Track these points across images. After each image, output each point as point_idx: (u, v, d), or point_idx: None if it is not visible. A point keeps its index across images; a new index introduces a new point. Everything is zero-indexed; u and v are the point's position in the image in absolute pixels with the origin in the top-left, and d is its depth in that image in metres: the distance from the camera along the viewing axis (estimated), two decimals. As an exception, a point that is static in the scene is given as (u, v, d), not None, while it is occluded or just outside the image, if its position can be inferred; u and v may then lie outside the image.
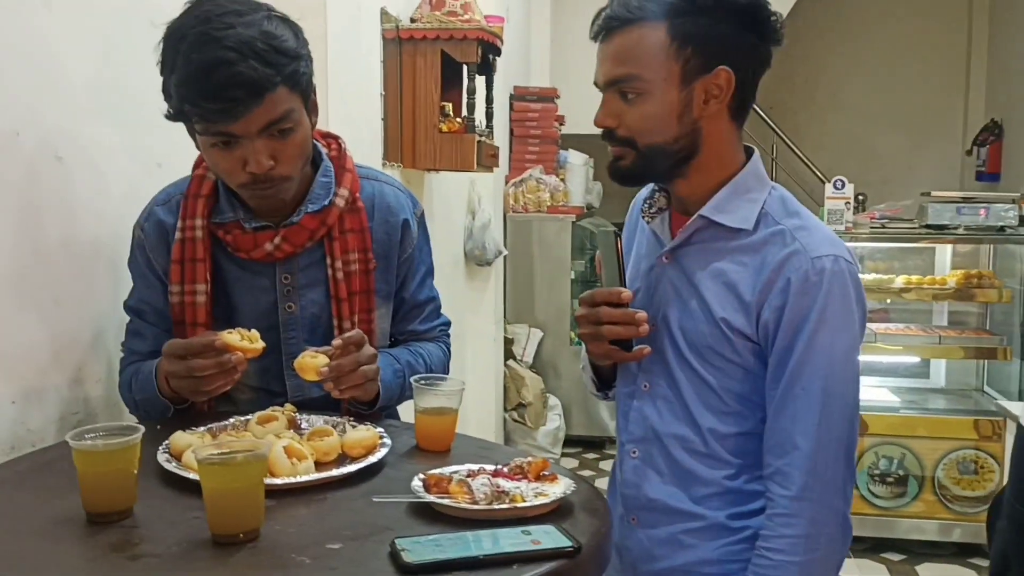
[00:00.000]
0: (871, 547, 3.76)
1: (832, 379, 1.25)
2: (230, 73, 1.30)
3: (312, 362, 1.39)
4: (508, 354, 4.97)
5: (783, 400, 1.27)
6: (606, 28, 1.28)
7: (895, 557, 3.74)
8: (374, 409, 1.52)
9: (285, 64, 1.35)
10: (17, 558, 1.02)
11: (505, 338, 4.96)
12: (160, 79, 1.37)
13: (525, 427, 4.82)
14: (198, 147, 1.44)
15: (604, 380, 1.51)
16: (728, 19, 1.24)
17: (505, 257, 4.86)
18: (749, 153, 1.36)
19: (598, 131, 1.33)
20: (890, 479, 3.70)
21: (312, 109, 1.46)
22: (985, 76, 7.02)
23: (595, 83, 1.32)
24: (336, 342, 1.41)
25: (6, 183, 1.40)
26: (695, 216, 1.32)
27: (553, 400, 5.09)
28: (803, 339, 1.25)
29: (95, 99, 1.61)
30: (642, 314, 1.31)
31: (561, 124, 5.38)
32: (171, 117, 1.39)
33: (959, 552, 3.74)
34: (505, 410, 4.87)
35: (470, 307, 4.45)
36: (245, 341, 1.37)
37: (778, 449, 1.28)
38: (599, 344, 1.34)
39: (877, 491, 3.70)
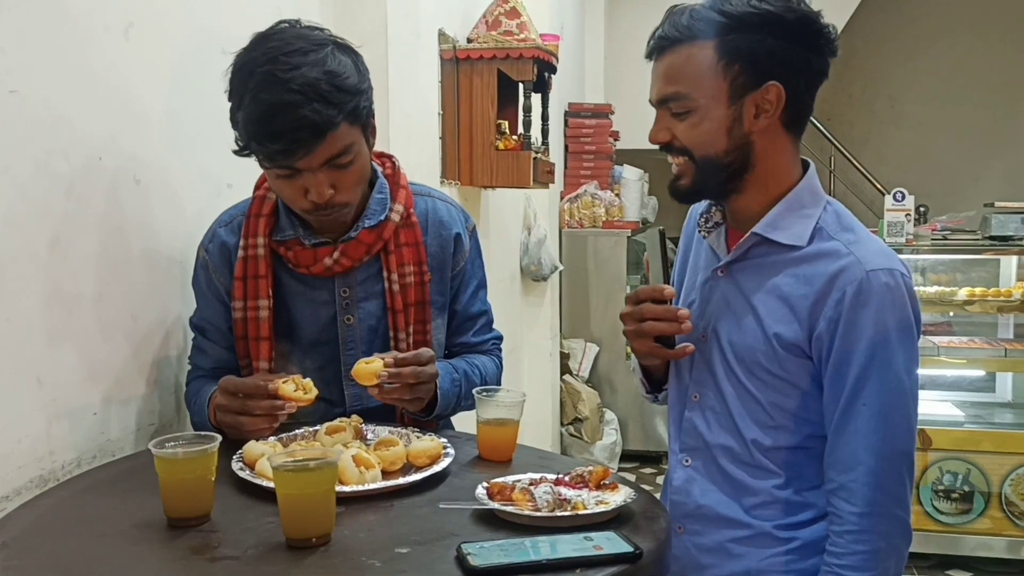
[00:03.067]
0: (936, 564, 3.69)
1: (894, 393, 1.26)
2: (294, 116, 1.35)
3: (369, 368, 1.43)
4: (564, 369, 4.99)
5: (845, 416, 1.28)
6: (658, 48, 1.31)
7: (960, 575, 3.66)
8: (431, 417, 1.56)
9: (347, 102, 1.40)
10: (104, 559, 1.08)
11: (561, 353, 4.98)
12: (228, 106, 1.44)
13: (582, 441, 4.83)
14: (263, 167, 1.50)
15: (654, 383, 1.54)
16: (776, 35, 1.26)
17: (561, 272, 4.89)
18: (805, 167, 1.38)
19: (653, 146, 1.36)
20: (955, 495, 3.63)
21: (371, 134, 1.51)
22: (1050, 85, 6.87)
23: (649, 101, 1.35)
24: (396, 355, 1.45)
25: (90, 205, 1.48)
26: (749, 233, 1.34)
27: (610, 415, 5.09)
28: (861, 354, 1.25)
29: (169, 124, 1.69)
30: (684, 311, 1.34)
31: (615, 139, 5.41)
32: (238, 151, 1.46)
33: (1028, 570, 3.66)
34: (562, 424, 4.89)
35: (526, 322, 4.49)
36: (299, 391, 1.41)
37: (841, 465, 1.28)
38: (643, 341, 1.37)
39: (942, 507, 3.64)
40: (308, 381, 1.44)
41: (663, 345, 1.38)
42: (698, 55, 1.27)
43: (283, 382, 1.41)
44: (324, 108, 1.37)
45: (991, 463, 3.60)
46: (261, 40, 1.42)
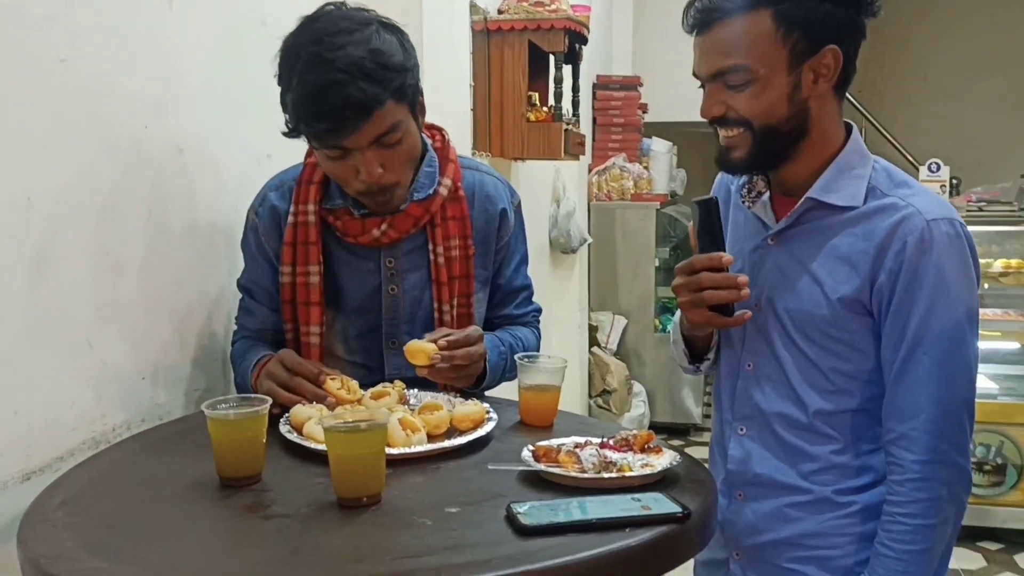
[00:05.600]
0: (967, 536, 3.68)
1: (955, 342, 1.26)
2: (341, 95, 1.36)
3: (423, 348, 1.44)
4: (592, 341, 5.00)
5: (905, 365, 1.28)
6: (705, 21, 1.29)
7: (992, 546, 3.66)
8: (477, 389, 1.58)
9: (392, 80, 1.40)
10: (160, 517, 1.11)
11: (589, 325, 4.99)
12: (270, 78, 1.45)
13: (610, 413, 4.84)
14: (313, 148, 1.51)
15: (695, 355, 1.53)
16: None
17: (589, 245, 4.89)
18: (847, 129, 1.37)
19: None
20: (987, 467, 3.61)
21: (420, 112, 1.52)
22: (1087, 54, 6.74)
23: (694, 74, 1.33)
24: (448, 334, 1.47)
25: (136, 173, 1.50)
26: (804, 198, 1.33)
27: (637, 387, 5.11)
28: (923, 303, 1.26)
29: (211, 94, 1.70)
30: (743, 277, 1.32)
31: (644, 112, 5.38)
32: (288, 133, 1.47)
33: (1061, 543, 3.65)
34: (590, 396, 4.91)
35: (555, 295, 4.49)
36: (343, 390, 1.42)
37: (901, 414, 1.29)
38: (699, 311, 1.34)
39: (974, 479, 3.60)
40: (355, 383, 1.45)
41: (719, 314, 1.35)
42: (754, 25, 1.26)
43: (331, 379, 1.43)
44: (369, 86, 1.37)
45: (1024, 436, 3.58)
46: (307, 23, 1.43)
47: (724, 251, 1.33)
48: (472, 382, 1.54)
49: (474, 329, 1.51)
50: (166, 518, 1.10)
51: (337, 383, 1.43)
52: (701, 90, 1.35)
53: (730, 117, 1.30)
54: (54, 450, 1.33)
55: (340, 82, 1.36)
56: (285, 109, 1.45)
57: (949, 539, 1.31)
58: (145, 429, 1.49)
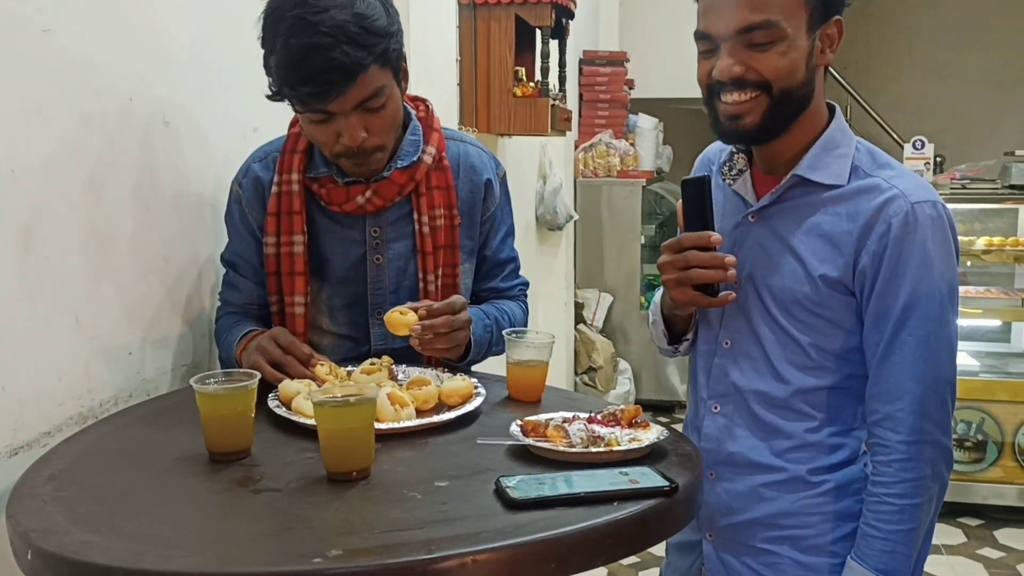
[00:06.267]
0: (948, 512, 3.73)
1: (938, 323, 1.28)
2: (325, 58, 1.36)
3: (403, 319, 1.44)
4: (578, 318, 5.01)
5: (890, 347, 1.29)
6: None
7: (972, 522, 3.71)
8: (465, 362, 1.58)
9: (376, 44, 1.40)
10: (151, 490, 1.11)
11: (575, 303, 5.00)
12: (257, 51, 1.43)
13: (596, 390, 4.86)
14: (296, 112, 1.50)
15: (674, 336, 1.52)
16: None
17: (575, 222, 4.89)
18: (831, 110, 1.38)
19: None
20: (968, 443, 3.66)
21: (403, 78, 1.51)
22: (1072, 32, 6.76)
23: (702, 36, 1.30)
24: (430, 305, 1.47)
25: (122, 146, 1.49)
26: (790, 175, 1.34)
27: (623, 364, 5.13)
28: (908, 284, 1.27)
29: (197, 67, 1.68)
30: (731, 258, 1.32)
31: (630, 88, 5.36)
32: (271, 96, 1.46)
33: (1039, 517, 3.70)
34: (576, 374, 4.93)
35: (541, 272, 4.50)
36: (331, 375, 1.43)
37: (887, 395, 1.30)
38: (684, 290, 1.34)
39: (955, 455, 3.66)
40: (343, 371, 1.45)
41: (703, 293, 1.34)
42: None
43: (320, 364, 1.43)
44: (354, 50, 1.37)
45: (1005, 412, 3.63)
46: None
47: (713, 231, 1.33)
48: (460, 353, 1.53)
49: (456, 298, 1.50)
50: (156, 492, 1.10)
51: (326, 369, 1.43)
52: (700, 56, 1.32)
53: (748, 78, 1.27)
54: (42, 425, 1.32)
55: (324, 46, 1.36)
56: (268, 72, 1.44)
57: (932, 517, 1.33)
58: (132, 404, 1.49)
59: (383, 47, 1.42)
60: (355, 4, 1.39)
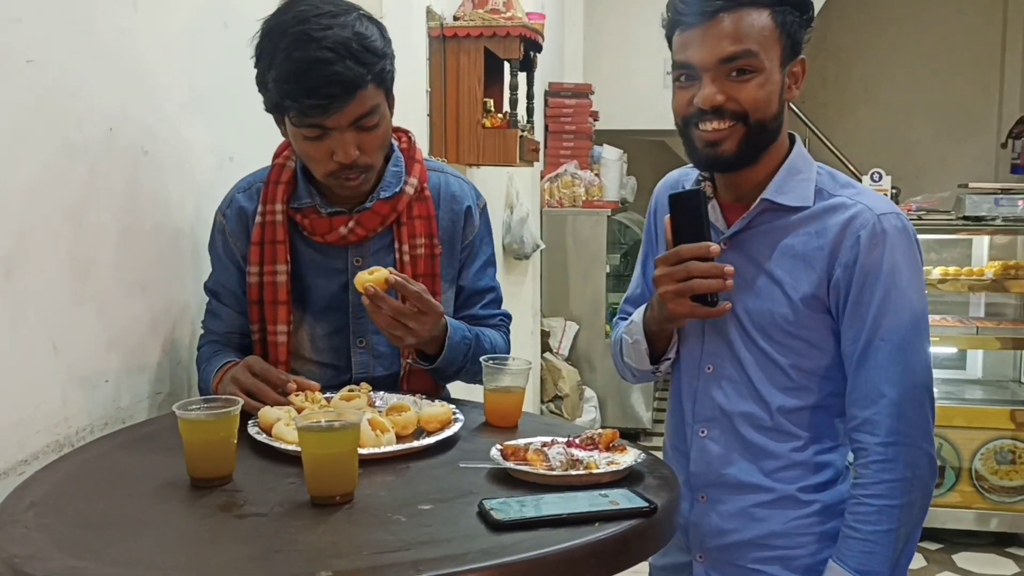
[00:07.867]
0: (908, 535, 3.78)
1: (909, 328, 1.33)
2: (328, 72, 1.40)
3: (370, 276, 1.44)
4: (544, 347, 5.04)
5: (864, 353, 1.33)
6: (715, 9, 1.31)
7: (932, 546, 3.77)
8: (435, 365, 1.57)
9: (375, 63, 1.45)
10: (134, 516, 1.11)
11: (542, 331, 5.03)
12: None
13: (562, 419, 4.88)
14: (284, 135, 1.54)
15: (655, 355, 1.51)
16: (801, 12, 1.35)
17: (541, 251, 4.93)
18: (791, 139, 1.44)
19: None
20: (927, 468, 3.72)
21: (392, 102, 1.56)
22: (1021, 68, 7.00)
23: (687, 64, 1.34)
24: (407, 279, 1.47)
25: (102, 175, 1.50)
26: (759, 200, 1.39)
27: (589, 392, 5.16)
28: (878, 292, 1.32)
29: (176, 97, 1.70)
30: (729, 268, 1.33)
31: (595, 119, 5.44)
32: (269, 109, 1.50)
33: (996, 542, 3.78)
34: (542, 402, 4.95)
35: (508, 300, 4.43)
36: (309, 402, 1.43)
37: (864, 400, 1.34)
38: (682, 302, 1.35)
39: (914, 480, 3.72)
40: (320, 396, 1.45)
41: (701, 304, 1.35)
42: (760, 19, 1.32)
43: (296, 395, 1.43)
44: (355, 65, 1.42)
45: (962, 438, 3.70)
46: (290, 5, 1.46)
47: (710, 242, 1.34)
48: (425, 338, 1.50)
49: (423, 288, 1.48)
50: (140, 517, 1.11)
51: (302, 398, 1.43)
52: (678, 87, 1.37)
53: (728, 108, 1.32)
54: (19, 453, 1.32)
55: (328, 60, 1.40)
56: (264, 88, 1.47)
57: (914, 524, 1.34)
58: (109, 432, 1.48)
59: (380, 66, 1.47)
60: (355, 25, 1.45)
